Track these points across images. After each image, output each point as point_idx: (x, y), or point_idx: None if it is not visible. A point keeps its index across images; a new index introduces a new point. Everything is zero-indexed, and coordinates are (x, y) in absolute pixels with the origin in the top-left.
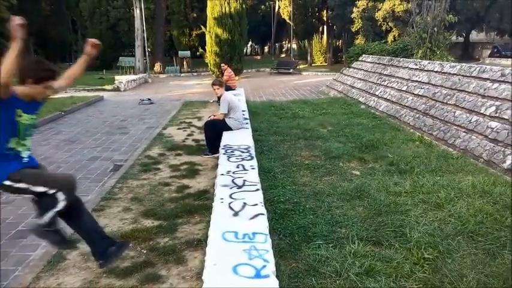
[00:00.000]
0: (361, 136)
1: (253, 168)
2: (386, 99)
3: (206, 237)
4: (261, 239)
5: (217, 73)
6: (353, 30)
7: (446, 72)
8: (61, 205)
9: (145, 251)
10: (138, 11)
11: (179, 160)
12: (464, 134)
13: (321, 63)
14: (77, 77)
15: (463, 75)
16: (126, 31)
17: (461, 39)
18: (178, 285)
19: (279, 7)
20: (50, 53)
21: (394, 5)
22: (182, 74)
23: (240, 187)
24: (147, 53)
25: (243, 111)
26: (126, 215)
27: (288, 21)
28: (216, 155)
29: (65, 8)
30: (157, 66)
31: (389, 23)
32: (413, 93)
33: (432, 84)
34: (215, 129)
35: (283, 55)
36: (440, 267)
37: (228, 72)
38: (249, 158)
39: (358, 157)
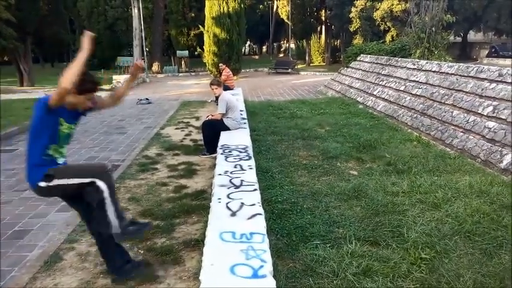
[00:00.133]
0: (358, 136)
1: (251, 168)
2: (384, 99)
3: (203, 237)
4: (258, 239)
5: (216, 73)
6: (351, 30)
7: (444, 72)
8: (105, 191)
9: (142, 252)
10: (136, 11)
11: (177, 160)
12: (461, 134)
13: (319, 63)
14: (124, 97)
15: (460, 75)
16: (124, 31)
17: (459, 39)
18: (176, 286)
19: (277, 7)
20: (47, 52)
21: (393, 4)
22: (180, 74)
23: (237, 187)
24: (145, 53)
25: (241, 111)
26: None
27: (286, 20)
28: (213, 155)
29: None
30: (155, 66)
31: (387, 23)
32: (411, 93)
33: (430, 84)
34: (213, 129)
35: (281, 55)
36: (438, 267)
37: (226, 72)
38: (247, 158)
39: (355, 157)
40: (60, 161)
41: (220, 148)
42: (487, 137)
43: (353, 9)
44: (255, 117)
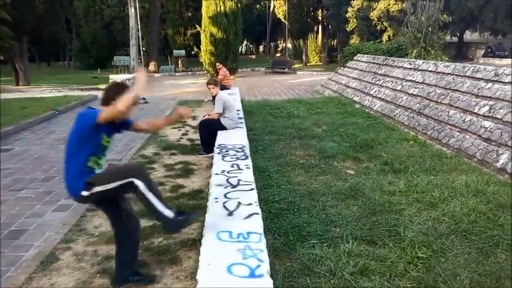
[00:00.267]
0: (355, 135)
1: (247, 168)
2: (380, 99)
3: (200, 236)
4: (255, 238)
5: (212, 72)
6: (348, 29)
7: (440, 72)
8: (144, 189)
9: (139, 251)
10: (132, 10)
11: (174, 159)
12: (458, 133)
13: (316, 62)
14: (157, 129)
15: (457, 75)
16: (121, 30)
17: (455, 39)
18: (173, 285)
19: (274, 6)
20: (43, 51)
21: (389, 4)
22: (177, 73)
23: (234, 186)
24: (141, 52)
25: (238, 110)
26: None
27: (283, 20)
28: (210, 155)
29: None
30: (152, 66)
31: (384, 23)
32: (408, 93)
33: (426, 84)
34: (210, 129)
35: (278, 54)
36: (434, 266)
37: (223, 71)
38: (244, 157)
39: (352, 156)
40: (98, 171)
41: (217, 147)
42: (483, 136)
43: (350, 9)
44: (251, 116)
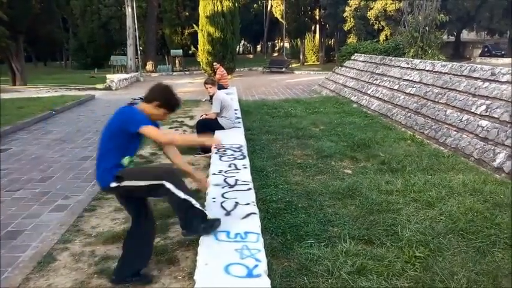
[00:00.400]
0: (353, 135)
1: (245, 168)
2: (378, 98)
3: (198, 236)
4: (253, 238)
5: (210, 72)
6: (345, 29)
7: (437, 71)
8: (175, 191)
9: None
10: (129, 9)
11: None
12: (455, 132)
13: (314, 62)
14: (174, 160)
15: (454, 74)
16: (118, 29)
17: (452, 38)
18: (170, 285)
19: (272, 6)
20: (40, 51)
21: (386, 4)
22: (174, 73)
23: (232, 186)
24: (139, 52)
25: (235, 110)
26: (118, 215)
27: (280, 20)
28: (208, 154)
29: (55, 6)
30: (149, 65)
31: (381, 22)
32: (405, 92)
33: (424, 83)
34: (207, 129)
35: (275, 54)
36: (432, 266)
37: (221, 71)
38: (241, 157)
39: (350, 156)
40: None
41: (215, 147)
42: (480, 135)
43: (347, 8)
44: (249, 116)
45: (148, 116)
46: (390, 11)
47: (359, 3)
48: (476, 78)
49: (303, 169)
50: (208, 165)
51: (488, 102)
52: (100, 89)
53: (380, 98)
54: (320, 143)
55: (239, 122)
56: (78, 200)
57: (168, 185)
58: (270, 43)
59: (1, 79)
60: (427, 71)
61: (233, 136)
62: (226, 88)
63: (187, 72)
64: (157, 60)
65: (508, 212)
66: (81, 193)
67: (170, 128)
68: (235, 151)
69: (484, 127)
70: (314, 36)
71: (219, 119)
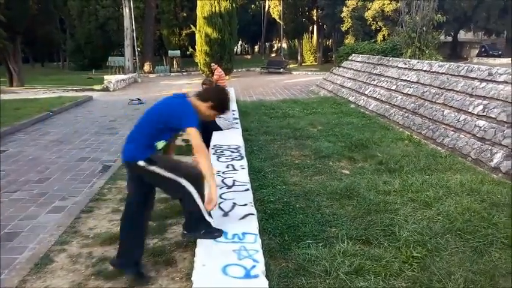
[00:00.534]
0: (350, 135)
1: (243, 168)
2: (375, 99)
3: (196, 238)
4: (250, 239)
5: (208, 72)
6: (343, 29)
7: (434, 72)
8: (196, 197)
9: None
10: (127, 10)
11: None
12: (452, 132)
13: (311, 62)
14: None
15: (451, 75)
16: (116, 30)
17: (449, 38)
18: (168, 286)
19: (269, 6)
20: (37, 52)
21: (384, 4)
22: (172, 74)
23: (229, 187)
24: (136, 53)
25: (233, 110)
26: (115, 216)
27: (278, 20)
28: None
29: (53, 6)
30: (147, 66)
31: (378, 23)
32: (403, 93)
33: (421, 84)
34: (205, 129)
35: (273, 54)
36: (429, 266)
37: (218, 71)
38: (239, 157)
39: (347, 156)
40: (158, 151)
41: (213, 148)
42: (477, 135)
43: (344, 9)
44: (247, 117)
45: (203, 118)
46: (388, 12)
47: (356, 3)
48: (473, 79)
49: (301, 170)
50: None
51: (485, 102)
52: (98, 90)
53: (378, 99)
54: (318, 144)
55: (237, 123)
56: (75, 202)
57: (192, 190)
58: (267, 44)
59: None
60: (425, 71)
61: (231, 137)
62: None
63: (185, 73)
64: (155, 61)
65: (505, 211)
66: (78, 194)
67: None
68: (233, 152)
69: (481, 127)
70: (312, 37)
71: (217, 120)
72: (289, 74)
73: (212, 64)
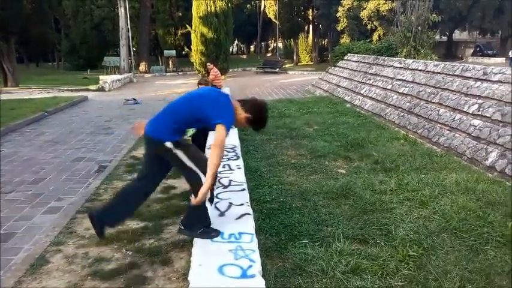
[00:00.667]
0: (346, 135)
1: (239, 168)
2: (371, 98)
3: (192, 238)
4: (247, 238)
5: (203, 72)
6: (338, 29)
7: (430, 71)
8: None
9: (130, 253)
10: (122, 10)
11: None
12: (448, 132)
13: (307, 62)
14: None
15: (446, 74)
16: (111, 30)
17: (444, 38)
18: (165, 286)
19: (265, 6)
20: (32, 52)
21: (379, 4)
22: (168, 74)
23: (226, 187)
24: (132, 53)
25: None
26: None
27: (273, 20)
28: None
29: (47, 6)
30: (142, 66)
31: (374, 22)
32: (398, 92)
33: (416, 83)
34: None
35: (269, 54)
36: (425, 264)
37: (214, 71)
38: (235, 157)
39: (343, 156)
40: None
41: (209, 148)
42: (472, 134)
43: (340, 8)
44: None
45: (237, 124)
46: (383, 11)
47: (352, 3)
48: (468, 78)
49: (297, 169)
50: None
51: (480, 101)
52: (93, 90)
53: (373, 98)
54: (314, 143)
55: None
56: (71, 202)
57: (202, 177)
58: (263, 43)
59: None
60: (420, 70)
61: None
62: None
63: (180, 73)
64: (150, 61)
65: (500, 210)
66: (74, 195)
67: None
68: (229, 152)
69: (476, 126)
70: (307, 37)
71: None
72: (285, 74)
73: (208, 64)
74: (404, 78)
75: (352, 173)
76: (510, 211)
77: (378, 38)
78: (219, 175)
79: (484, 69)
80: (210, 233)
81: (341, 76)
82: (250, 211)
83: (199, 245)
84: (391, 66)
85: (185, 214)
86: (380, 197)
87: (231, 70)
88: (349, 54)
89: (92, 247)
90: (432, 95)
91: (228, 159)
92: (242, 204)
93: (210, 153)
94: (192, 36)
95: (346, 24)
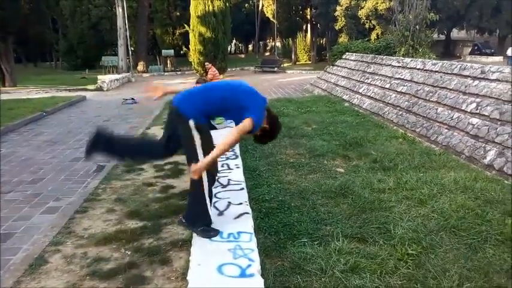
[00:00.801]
0: (345, 134)
1: (238, 167)
2: (369, 97)
3: (191, 237)
4: (246, 238)
5: (201, 72)
6: (336, 28)
7: (428, 70)
8: (204, 181)
9: (129, 252)
10: (120, 10)
11: (163, 160)
12: (446, 130)
13: (305, 61)
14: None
15: (444, 73)
16: (109, 30)
17: (442, 37)
18: (164, 286)
19: (263, 5)
20: (30, 52)
21: (377, 3)
22: (166, 73)
23: (224, 186)
24: (130, 52)
25: None
26: (110, 216)
27: (271, 19)
28: None
29: (45, 6)
30: (140, 65)
31: (372, 21)
32: (396, 91)
33: (415, 82)
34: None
35: (267, 53)
36: (424, 263)
37: (212, 71)
38: (234, 156)
39: (342, 155)
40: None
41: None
42: (470, 133)
43: (338, 7)
44: None
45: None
46: (381, 10)
47: (350, 2)
48: (466, 77)
49: (296, 168)
50: None
51: (478, 100)
52: (91, 90)
53: (371, 97)
54: (312, 142)
55: (231, 122)
56: (69, 202)
57: (205, 178)
58: (261, 43)
59: None
60: (418, 69)
61: (225, 136)
62: None
63: (179, 73)
64: (148, 61)
65: (498, 208)
66: (72, 195)
67: (162, 128)
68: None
69: (474, 125)
70: (305, 36)
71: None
72: (283, 73)
73: (206, 63)
74: (402, 77)
75: (351, 172)
76: (508, 209)
77: (376, 37)
78: (218, 174)
79: (482, 67)
80: (210, 232)
81: (339, 75)
82: (249, 210)
83: (198, 244)
84: (389, 65)
85: (186, 210)
86: (379, 195)
87: (229, 69)
88: (347, 53)
89: (90, 247)
90: (430, 94)
91: (227, 158)
92: (241, 204)
93: (226, 136)
94: (190, 35)
95: (344, 23)
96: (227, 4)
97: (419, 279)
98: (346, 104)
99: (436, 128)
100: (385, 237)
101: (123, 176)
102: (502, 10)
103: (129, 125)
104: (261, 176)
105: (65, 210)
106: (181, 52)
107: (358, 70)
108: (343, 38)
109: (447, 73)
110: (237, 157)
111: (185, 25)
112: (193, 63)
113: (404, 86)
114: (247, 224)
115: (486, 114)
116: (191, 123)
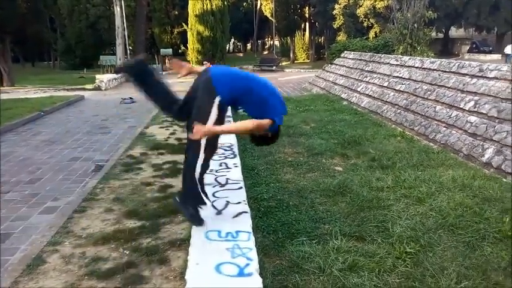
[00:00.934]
0: (343, 132)
1: (236, 166)
2: (368, 95)
3: (189, 236)
4: (244, 237)
5: None
6: (335, 26)
7: (426, 68)
8: (198, 160)
9: (127, 252)
10: (118, 9)
11: (162, 159)
12: (444, 128)
13: (304, 60)
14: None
15: (442, 71)
16: (107, 29)
17: (440, 35)
18: (162, 286)
19: (261, 4)
20: (28, 51)
21: (375, 1)
22: (164, 72)
23: (223, 185)
24: (128, 51)
25: None
26: (108, 216)
27: (270, 18)
28: None
29: (43, 5)
30: None
31: (370, 20)
32: (395, 89)
33: (413, 80)
34: None
35: (265, 52)
36: (422, 261)
37: None
38: (232, 156)
39: (340, 153)
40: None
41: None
42: (469, 131)
43: (336, 6)
44: (240, 114)
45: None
46: (379, 8)
47: (348, 0)
48: (464, 75)
49: (294, 167)
50: None
51: (476, 98)
52: (89, 89)
53: (370, 95)
54: (311, 141)
55: (229, 121)
56: (67, 202)
57: (201, 155)
58: (260, 41)
59: None
60: (416, 67)
61: (224, 135)
62: None
63: None
64: (147, 60)
65: (496, 206)
66: (70, 194)
67: (161, 127)
68: (226, 150)
69: (472, 123)
70: (304, 34)
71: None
72: (281, 72)
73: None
74: (400, 75)
75: (349, 171)
76: (506, 207)
77: (374, 36)
78: (216, 173)
79: (480, 65)
80: (196, 220)
81: (338, 74)
82: (248, 209)
83: (196, 243)
84: (388, 63)
85: (181, 188)
86: (377, 194)
87: None
88: (345, 51)
89: (88, 247)
90: (429, 92)
91: (225, 157)
92: (239, 203)
93: (244, 121)
94: (189, 34)
95: (342, 21)
96: (225, 3)
97: (418, 277)
98: (345, 103)
99: (434, 126)
100: (383, 235)
101: (121, 176)
102: (500, 8)
103: (128, 125)
104: (260, 175)
105: (63, 210)
106: (180, 51)
107: (356, 68)
108: (341, 37)
109: (445, 71)
110: (235, 156)
111: (183, 24)
112: (191, 62)
113: (402, 84)
114: (246, 223)
115: (484, 112)
116: (217, 99)
